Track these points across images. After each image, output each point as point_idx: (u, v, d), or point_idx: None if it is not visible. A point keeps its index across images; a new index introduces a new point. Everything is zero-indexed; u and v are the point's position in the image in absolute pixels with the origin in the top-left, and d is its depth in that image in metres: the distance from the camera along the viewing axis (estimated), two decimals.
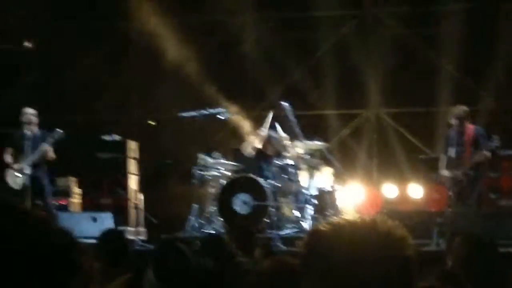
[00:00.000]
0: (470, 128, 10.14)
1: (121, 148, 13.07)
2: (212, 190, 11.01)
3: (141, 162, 13.19)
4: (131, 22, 14.60)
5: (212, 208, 10.86)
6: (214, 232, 10.11)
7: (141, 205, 12.53)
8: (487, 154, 10.02)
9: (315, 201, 10.96)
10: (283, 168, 11.01)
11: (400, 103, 13.46)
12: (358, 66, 13.70)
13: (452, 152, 10.01)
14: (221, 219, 10.70)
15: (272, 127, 11.18)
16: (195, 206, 10.90)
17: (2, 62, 14.40)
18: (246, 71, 14.17)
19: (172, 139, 13.30)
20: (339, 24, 13.69)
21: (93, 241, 6.41)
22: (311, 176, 11.11)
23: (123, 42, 14.48)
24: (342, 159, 12.09)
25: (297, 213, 10.87)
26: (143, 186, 13.06)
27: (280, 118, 11.15)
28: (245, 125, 13.26)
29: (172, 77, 14.15)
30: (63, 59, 14.29)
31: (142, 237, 11.38)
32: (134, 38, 14.59)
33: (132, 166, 13.06)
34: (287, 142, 11.07)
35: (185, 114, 11.46)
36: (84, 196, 12.94)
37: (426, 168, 11.88)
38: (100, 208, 12.05)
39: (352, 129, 13.67)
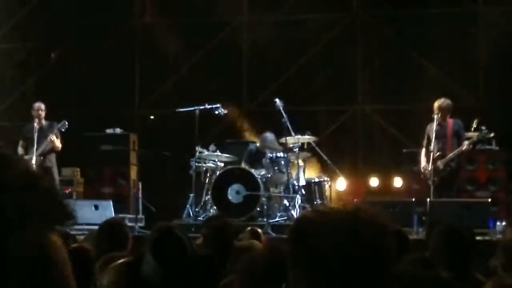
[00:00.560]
0: (450, 121, 10.17)
1: (122, 141, 13.09)
2: (207, 181, 11.03)
3: (141, 154, 13.19)
4: (135, 23, 14.61)
5: (207, 198, 10.88)
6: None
7: (140, 194, 12.54)
8: (468, 146, 10.05)
9: (304, 191, 11.01)
10: (274, 161, 11.03)
11: (384, 100, 13.48)
12: (346, 66, 13.72)
13: (434, 144, 10.02)
14: (216, 207, 10.71)
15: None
16: (191, 195, 10.91)
17: (15, 59, 14.41)
18: (242, 69, 14.18)
19: (170, 132, 13.31)
20: (330, 26, 13.68)
21: (95, 227, 6.40)
22: (301, 168, 11.13)
23: (127, 41, 14.45)
24: (330, 152, 12.07)
25: (286, 202, 10.89)
26: (143, 176, 13.07)
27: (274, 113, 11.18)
28: (240, 120, 13.30)
29: (172, 75, 14.16)
30: (71, 57, 14.29)
31: (141, 224, 11.37)
32: (137, 38, 14.59)
33: (133, 157, 13.07)
34: (278, 146, 11.14)
35: (183, 109, 11.46)
36: (87, 185, 12.96)
37: (408, 161, 11.90)
38: (102, 197, 12.05)
39: (339, 124, 13.67)
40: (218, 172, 10.93)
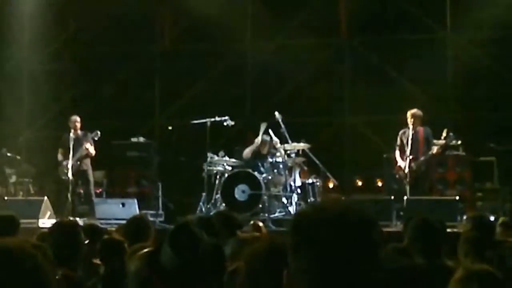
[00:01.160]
0: (421, 129, 10.14)
1: (145, 148, 13.08)
2: (217, 182, 11.02)
3: (161, 159, 13.19)
4: (155, 47, 14.64)
5: (217, 196, 10.86)
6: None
7: (160, 193, 12.52)
8: (437, 150, 10.02)
9: (299, 191, 10.99)
10: (274, 165, 11.02)
11: (367, 112, 13.46)
12: (335, 83, 13.72)
13: (407, 149, 9.98)
14: (224, 205, 10.69)
15: (266, 133, 11.18)
16: (204, 194, 10.90)
17: (52, 80, 14.43)
18: (246, 87, 14.18)
19: (186, 141, 13.30)
20: (321, 49, 13.70)
21: (122, 221, 6.39)
22: (296, 170, 11.11)
23: (149, 63, 14.48)
24: (321, 157, 12.04)
25: (285, 200, 10.87)
26: (162, 178, 13.06)
27: (274, 124, 11.16)
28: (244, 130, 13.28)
29: (187, 92, 14.17)
30: (101, 77, 14.32)
31: (161, 219, 11.37)
32: (157, 60, 14.61)
33: (154, 162, 13.07)
34: (278, 144, 11.07)
35: (197, 121, 11.46)
36: (114, 186, 12.95)
37: (388, 165, 11.87)
38: (127, 196, 12.03)
39: (329, 133, 13.67)
40: (226, 175, 10.92)
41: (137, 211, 10.08)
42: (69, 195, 10.64)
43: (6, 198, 11.68)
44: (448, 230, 5.08)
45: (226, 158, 11.28)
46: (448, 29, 13.42)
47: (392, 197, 10.06)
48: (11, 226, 5.41)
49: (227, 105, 12.82)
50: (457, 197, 10.11)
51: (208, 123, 11.06)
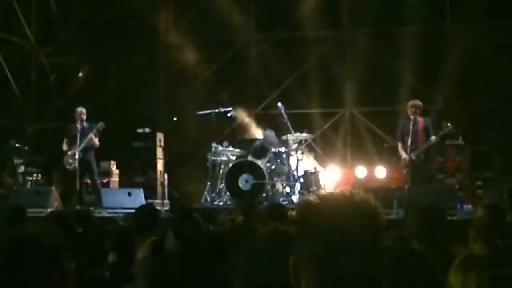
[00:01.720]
0: (421, 120, 10.11)
1: (151, 138, 13.08)
2: (221, 171, 11.02)
3: (166, 149, 13.19)
4: (161, 40, 14.60)
5: (222, 185, 10.87)
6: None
7: (166, 182, 12.53)
8: (436, 139, 9.98)
9: (302, 180, 10.97)
10: (277, 154, 11.01)
11: (369, 103, 13.43)
12: (337, 75, 13.67)
13: (408, 139, 9.95)
14: (228, 194, 10.70)
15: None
16: (208, 183, 10.90)
17: (59, 74, 14.43)
18: (250, 79, 14.15)
19: (191, 131, 13.29)
20: (323, 41, 13.65)
21: (129, 210, 6.39)
22: (299, 160, 11.10)
23: (154, 56, 14.45)
24: (323, 147, 12.07)
25: (288, 189, 10.87)
26: (168, 168, 13.06)
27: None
28: (248, 121, 13.27)
29: (192, 84, 14.14)
30: (108, 71, 14.30)
31: (167, 208, 11.38)
32: (162, 53, 14.58)
33: (159, 152, 13.06)
34: (276, 141, 11.13)
35: (201, 112, 11.45)
36: (121, 175, 12.95)
37: (389, 154, 11.85)
38: (134, 185, 12.03)
39: (331, 124, 13.64)
40: (230, 164, 10.92)
41: (143, 201, 10.08)
42: (77, 184, 10.64)
43: (14, 187, 11.72)
44: (448, 218, 5.05)
45: (230, 148, 11.28)
46: (448, 20, 13.36)
47: (394, 186, 10.05)
48: (18, 215, 5.41)
49: (230, 97, 12.80)
50: (457, 186, 10.09)
51: (212, 114, 11.05)
